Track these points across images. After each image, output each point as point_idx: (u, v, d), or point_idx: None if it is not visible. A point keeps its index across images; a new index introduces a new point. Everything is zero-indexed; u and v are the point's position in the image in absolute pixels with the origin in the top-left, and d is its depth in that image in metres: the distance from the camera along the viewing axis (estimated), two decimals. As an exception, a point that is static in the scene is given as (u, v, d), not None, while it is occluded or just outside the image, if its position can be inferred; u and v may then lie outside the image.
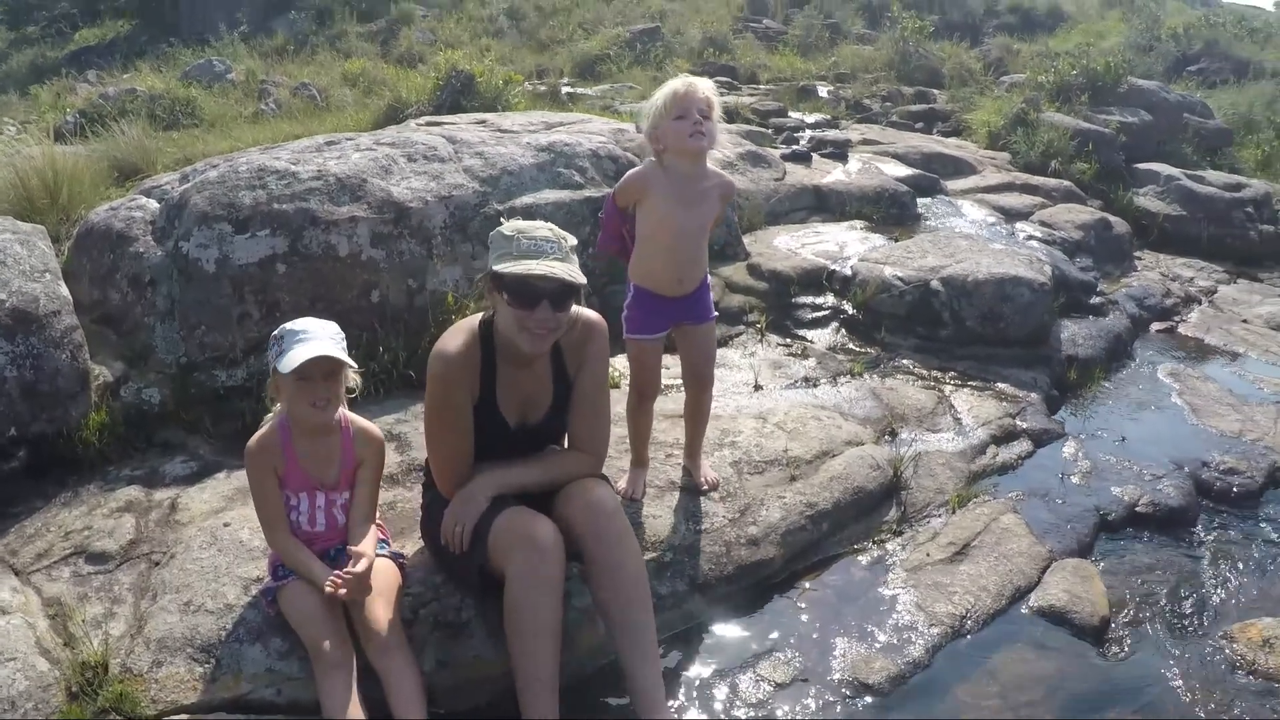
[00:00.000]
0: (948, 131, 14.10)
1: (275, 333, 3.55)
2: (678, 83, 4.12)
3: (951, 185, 10.80)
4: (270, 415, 3.74)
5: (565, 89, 15.49)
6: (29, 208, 6.63)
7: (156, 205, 6.06)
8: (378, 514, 3.85)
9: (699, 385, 4.57)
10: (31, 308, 5.01)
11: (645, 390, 4.48)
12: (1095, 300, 7.98)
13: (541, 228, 3.40)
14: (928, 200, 10.09)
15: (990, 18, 24.38)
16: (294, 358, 3.39)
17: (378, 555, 3.62)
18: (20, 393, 4.84)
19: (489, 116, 8.44)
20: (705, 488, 4.64)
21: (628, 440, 4.61)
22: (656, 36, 19.98)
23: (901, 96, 16.29)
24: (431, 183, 6.21)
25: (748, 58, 19.05)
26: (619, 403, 5.16)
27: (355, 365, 3.60)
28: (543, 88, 15.13)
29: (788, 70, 18.23)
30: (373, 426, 3.83)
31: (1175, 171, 11.90)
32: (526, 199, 6.49)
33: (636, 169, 4.33)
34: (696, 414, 4.65)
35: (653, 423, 4.65)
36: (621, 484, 4.52)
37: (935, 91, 16.71)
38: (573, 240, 3.45)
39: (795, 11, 23.84)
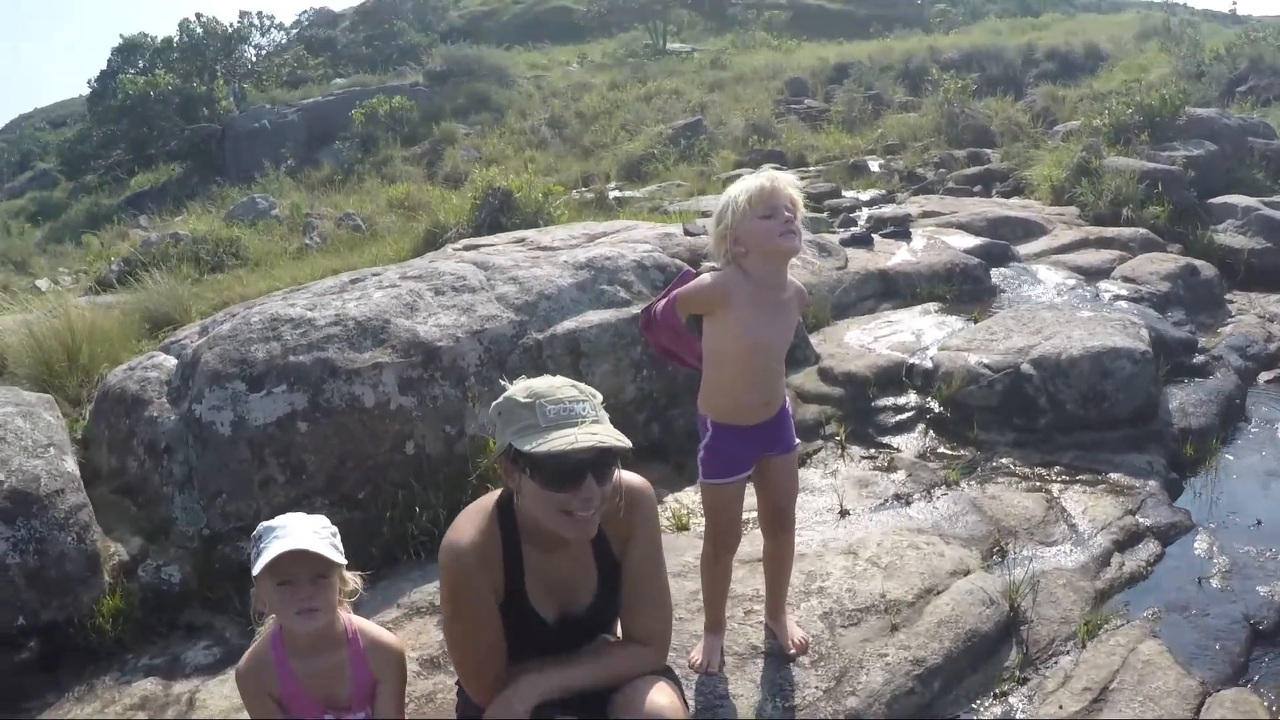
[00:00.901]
0: (1007, 191, 13.53)
1: (255, 531, 3.02)
2: (760, 179, 3.55)
3: (1023, 250, 10.12)
4: (263, 629, 3.18)
5: (612, 193, 15.21)
6: (47, 371, 6.31)
7: (174, 363, 5.67)
8: (407, 722, 3.29)
9: (782, 526, 3.96)
10: (32, 488, 4.63)
11: (726, 542, 3.88)
12: (1198, 359, 7.26)
13: (563, 386, 2.80)
14: (1001, 270, 9.41)
15: (1029, 67, 23.86)
16: (266, 556, 2.85)
17: (405, 782, 3.05)
18: (25, 580, 4.47)
19: (528, 234, 8.04)
20: (793, 651, 3.98)
21: (702, 598, 4.01)
22: (699, 130, 19.74)
23: (955, 161, 15.74)
24: (462, 317, 5.73)
25: (793, 140, 18.64)
26: (684, 552, 4.60)
27: (344, 561, 3.02)
28: (589, 194, 14.88)
29: (835, 148, 17.79)
30: (388, 637, 3.24)
31: (1252, 201, 11.15)
32: (569, 324, 5.98)
33: (712, 275, 3.68)
34: (779, 561, 4.03)
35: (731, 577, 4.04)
36: (695, 654, 3.91)
37: (988, 151, 16.16)
38: (599, 395, 2.86)
39: (835, 88, 23.58)
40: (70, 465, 4.96)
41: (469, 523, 2.90)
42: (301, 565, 2.87)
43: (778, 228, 3.49)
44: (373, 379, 5.22)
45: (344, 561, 2.99)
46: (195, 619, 4.78)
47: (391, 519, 5.04)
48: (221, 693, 4.14)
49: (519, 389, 2.77)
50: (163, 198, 22.18)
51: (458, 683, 3.22)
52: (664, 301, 3.70)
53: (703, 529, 3.98)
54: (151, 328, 7.94)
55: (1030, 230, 10.80)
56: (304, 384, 5.14)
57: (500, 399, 2.80)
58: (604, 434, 2.66)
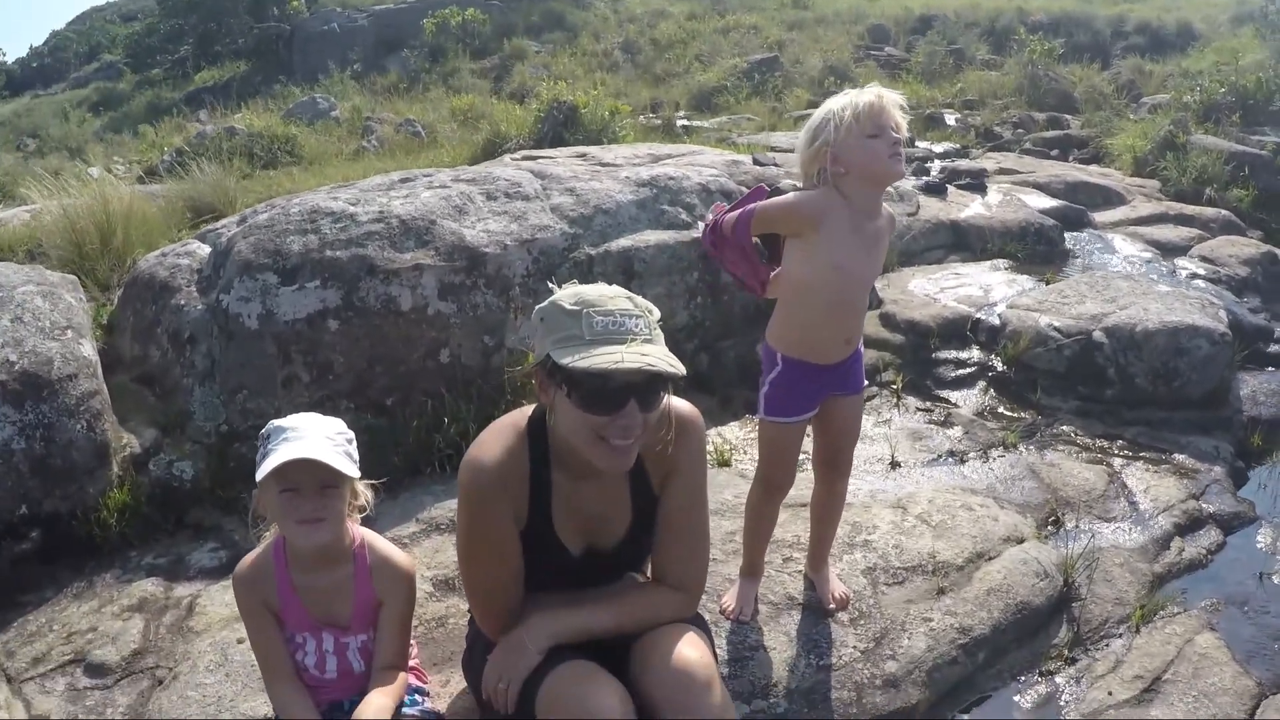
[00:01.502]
0: (1085, 159, 13.03)
1: (264, 429, 2.74)
2: (868, 94, 3.17)
3: (1099, 217, 9.71)
4: (268, 534, 2.91)
5: (681, 122, 14.81)
6: (77, 254, 6.12)
7: (207, 252, 5.42)
8: (413, 650, 3.04)
9: (839, 471, 3.65)
10: (44, 370, 4.42)
11: (780, 483, 3.58)
12: (1273, 348, 6.87)
13: (617, 297, 2.44)
14: (1075, 235, 9.06)
15: (1118, 39, 22.98)
16: (270, 461, 2.58)
17: (405, 714, 2.80)
18: (30, 467, 4.27)
19: (591, 150, 7.70)
20: (833, 606, 3.69)
21: (739, 540, 3.73)
22: (775, 66, 19.16)
23: (1033, 122, 15.21)
24: (512, 224, 5.42)
25: (870, 86, 18.00)
26: (724, 489, 4.31)
27: (357, 474, 2.74)
28: (657, 121, 14.47)
29: (912, 98, 16.99)
30: (398, 554, 2.95)
31: (1341, 195, 10.64)
32: (624, 241, 5.66)
33: (807, 192, 3.29)
34: (829, 508, 3.73)
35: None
36: (728, 599, 3.64)
37: (1067, 117, 15.61)
38: (657, 311, 2.51)
39: (917, 39, 22.80)
40: (87, 349, 4.74)
41: (495, 438, 2.60)
42: (308, 473, 2.60)
43: (886, 149, 3.13)
44: (412, 281, 4.94)
45: (356, 474, 2.72)
46: (204, 519, 4.59)
47: (418, 429, 4.78)
48: (223, 599, 3.94)
49: (566, 294, 2.45)
50: (226, 95, 21.85)
51: (471, 615, 2.96)
52: (736, 214, 3.34)
53: (744, 466, 3.68)
54: (194, 218, 7.73)
55: (1109, 198, 10.35)
56: (339, 280, 4.87)
57: (545, 303, 2.48)
58: (655, 356, 2.32)
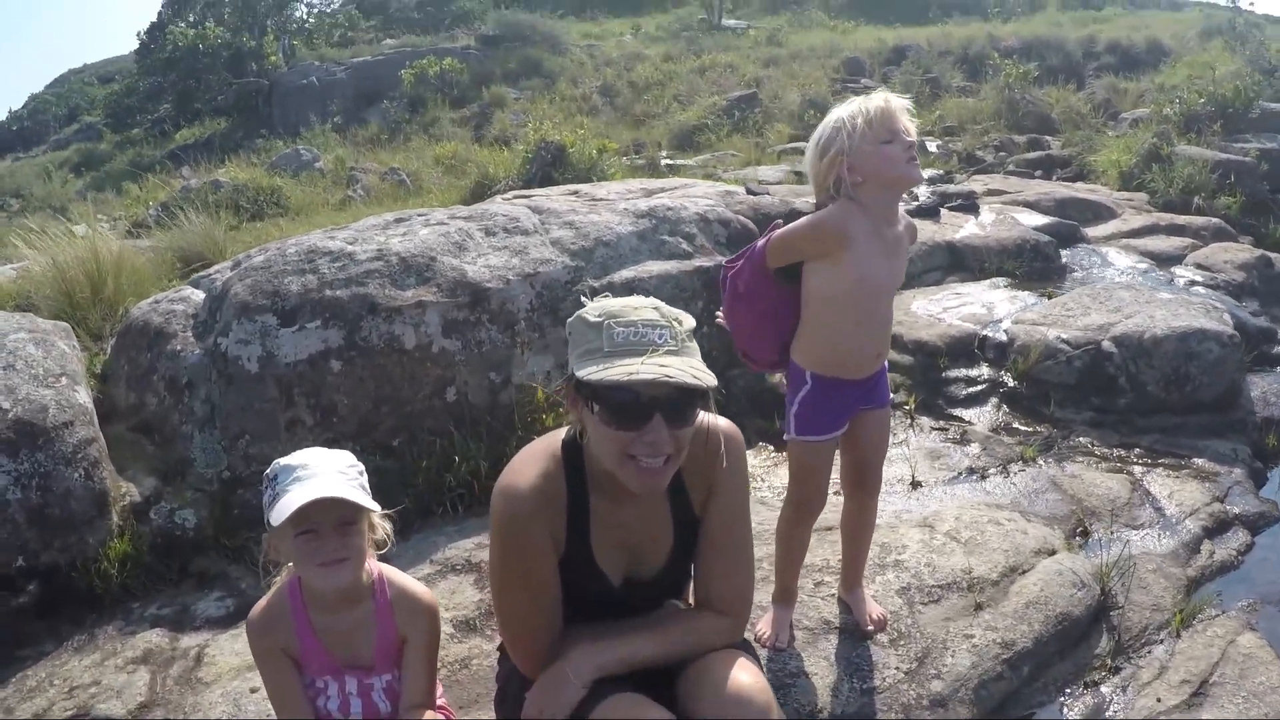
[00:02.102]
0: (1069, 177, 13.12)
1: (268, 470, 2.61)
2: (876, 99, 3.11)
3: (1092, 232, 9.77)
4: (279, 577, 2.78)
5: (664, 161, 14.79)
6: (69, 303, 6.05)
7: (202, 297, 5.32)
8: (439, 690, 2.90)
9: (867, 489, 3.57)
10: (39, 418, 4.30)
11: (812, 505, 3.48)
12: (1278, 350, 6.89)
13: (643, 307, 2.33)
14: (1070, 251, 9.10)
15: (1089, 59, 23.25)
16: (286, 504, 2.44)
17: (435, 756, 2.66)
18: (26, 518, 4.16)
19: (582, 188, 7.64)
20: (871, 628, 3.59)
21: (767, 566, 3.63)
22: (754, 103, 19.23)
23: (1014, 145, 15.36)
24: (514, 259, 5.33)
25: (849, 118, 18.06)
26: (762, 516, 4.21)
27: (377, 507, 2.62)
28: (641, 161, 14.43)
29: (893, 127, 17.28)
30: (419, 588, 2.83)
31: (1326, 198, 10.74)
32: (626, 273, 5.57)
33: (826, 209, 3.18)
34: (860, 527, 3.64)
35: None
36: (763, 627, 3.52)
37: (1048, 138, 15.78)
38: (689, 321, 2.38)
39: (892, 69, 22.97)
40: (83, 397, 4.63)
41: (529, 463, 2.47)
42: (327, 511, 2.47)
43: (901, 154, 3.07)
44: (415, 318, 4.84)
45: (377, 507, 2.61)
46: (209, 567, 4.46)
47: (428, 469, 4.66)
48: (233, 648, 3.82)
49: (592, 307, 2.35)
50: (207, 151, 21.79)
51: (499, 647, 2.84)
52: (745, 262, 3.29)
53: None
54: (184, 268, 7.68)
55: (1099, 213, 10.42)
56: (340, 320, 4.77)
57: (573, 316, 2.39)
58: (676, 367, 2.19)
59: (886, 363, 3.45)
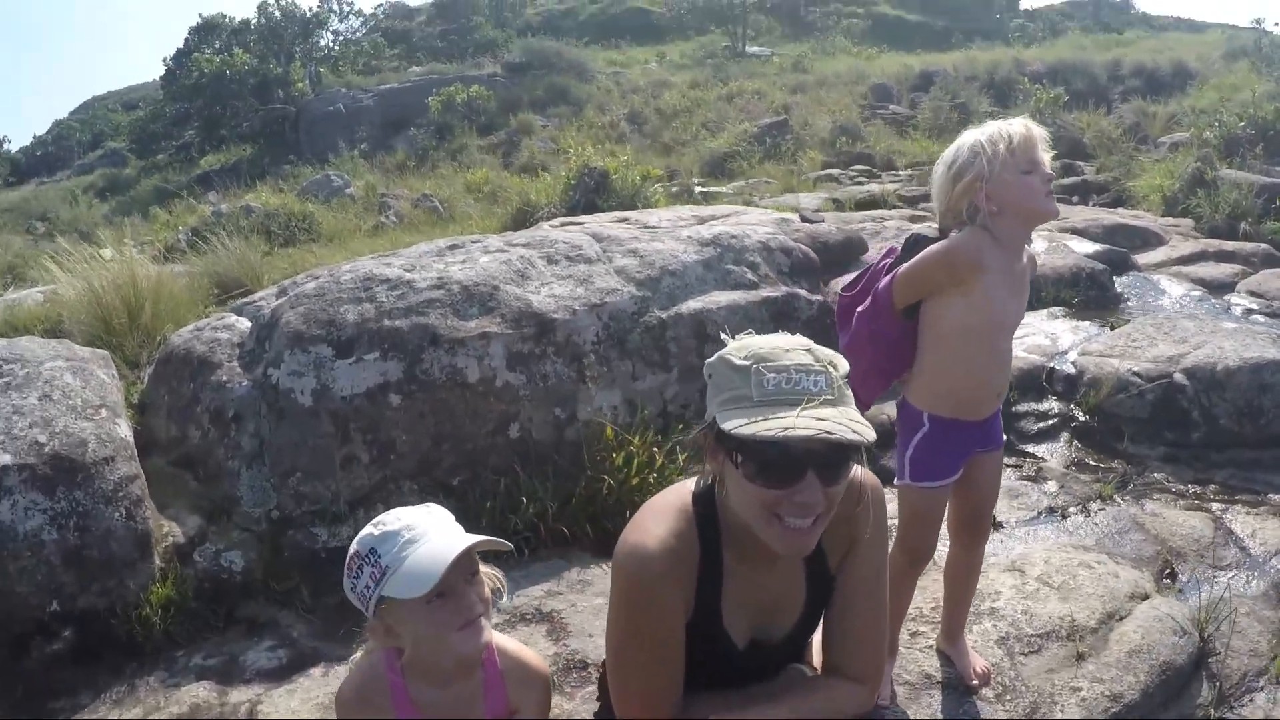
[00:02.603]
0: (1106, 203, 12.94)
1: (354, 548, 2.27)
2: (1016, 126, 2.90)
3: (1142, 259, 9.54)
4: (362, 653, 2.46)
5: (698, 188, 14.59)
6: (104, 329, 5.80)
7: (247, 325, 5.05)
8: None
9: (978, 535, 3.35)
10: (77, 454, 4.04)
11: (924, 552, 3.26)
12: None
13: (796, 350, 2.03)
14: (1122, 279, 8.86)
15: (1115, 83, 23.21)
16: (422, 572, 2.13)
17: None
18: (63, 560, 3.88)
19: (630, 214, 7.40)
20: (975, 682, 3.35)
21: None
22: (785, 129, 19.20)
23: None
24: (578, 288, 5.06)
25: (881, 144, 18.09)
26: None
27: (508, 545, 2.35)
28: (674, 188, 14.23)
29: (923, 154, 17.15)
30: (532, 657, 2.53)
31: (1376, 222, 10.51)
32: (694, 304, 5.29)
33: (960, 237, 2.94)
34: (967, 575, 3.41)
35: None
36: (859, 682, 3.25)
37: (1080, 163, 15.65)
38: (843, 365, 2.09)
39: (920, 95, 22.94)
40: (124, 430, 4.36)
41: (659, 520, 2.18)
42: (457, 569, 2.18)
43: (1041, 186, 2.86)
44: (478, 350, 4.56)
45: (508, 544, 2.36)
46: (258, 614, 4.15)
47: (491, 510, 4.37)
48: (288, 705, 3.54)
49: (735, 347, 2.06)
50: (233, 177, 21.75)
51: (597, 715, 2.54)
52: (871, 301, 3.06)
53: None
54: (221, 294, 7.47)
55: (1147, 239, 10.23)
56: (400, 351, 4.50)
57: (714, 357, 2.09)
58: (835, 420, 1.92)
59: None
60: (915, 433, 3.08)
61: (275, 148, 26.14)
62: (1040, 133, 2.91)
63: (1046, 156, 2.91)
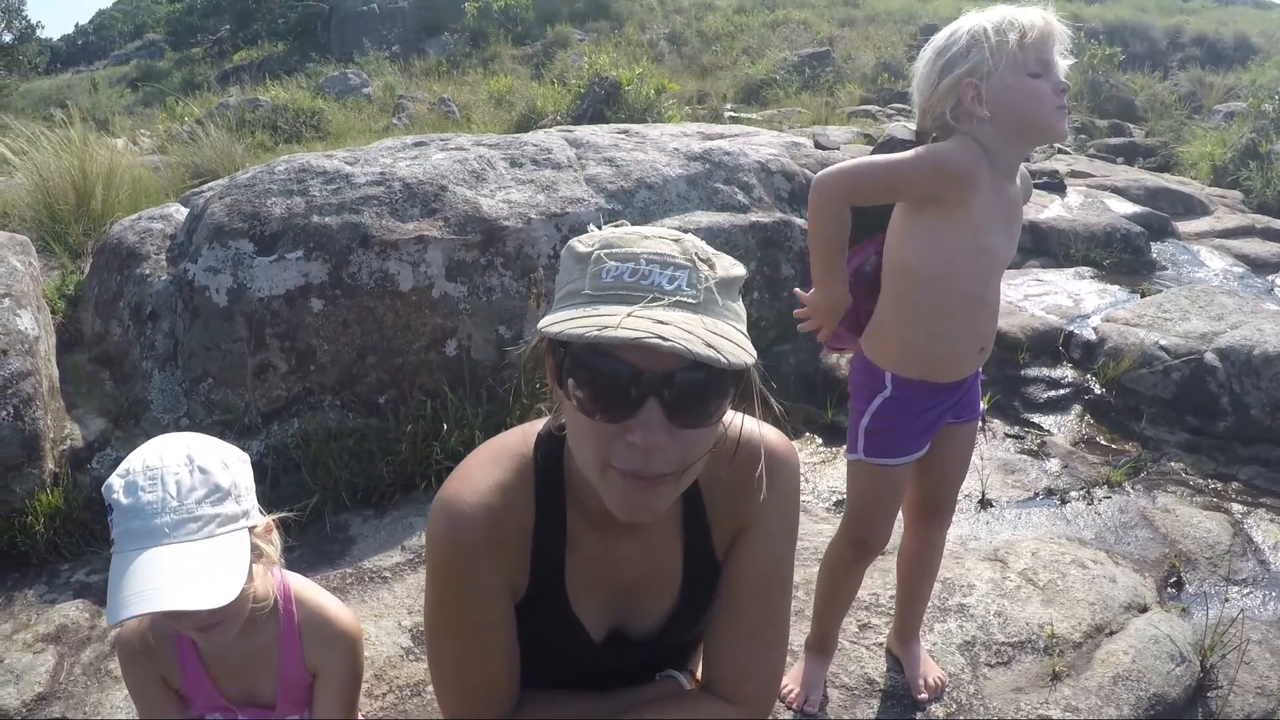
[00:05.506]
0: (1153, 166, 12.50)
1: (107, 482, 1.87)
2: (1032, 14, 2.25)
3: (1183, 227, 9.06)
4: None
5: (728, 113, 14.10)
6: (48, 216, 5.47)
7: (184, 215, 4.63)
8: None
9: (938, 519, 2.80)
10: (-40, 345, 3.62)
11: (873, 542, 2.68)
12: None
13: (655, 238, 1.44)
14: (1160, 245, 8.38)
15: (1174, 50, 22.62)
16: (115, 603, 1.69)
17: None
18: (-56, 459, 3.52)
19: (634, 127, 6.88)
20: (923, 695, 2.86)
21: (808, 598, 2.91)
22: (826, 60, 18.63)
23: (1096, 129, 14.95)
24: (539, 195, 4.59)
25: (924, 83, 17.37)
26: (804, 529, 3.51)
27: (238, 584, 1.75)
28: (703, 111, 13.74)
29: (970, 100, 16.57)
30: (337, 610, 2.09)
31: None
32: (671, 221, 4.81)
33: (947, 144, 2.30)
34: (925, 565, 2.88)
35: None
36: (789, 681, 2.82)
37: (1130, 125, 15.26)
38: (730, 268, 1.49)
39: (972, 41, 22.22)
40: (25, 322, 3.97)
41: (485, 468, 1.68)
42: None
43: (1053, 97, 2.25)
44: (414, 255, 4.12)
45: (237, 583, 1.75)
46: (155, 526, 3.81)
47: (414, 435, 3.93)
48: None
49: (590, 236, 1.50)
50: (262, 72, 21.31)
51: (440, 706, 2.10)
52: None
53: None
54: (198, 185, 7.06)
55: (1190, 207, 9.75)
56: (325, 252, 4.07)
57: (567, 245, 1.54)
58: (683, 327, 1.32)
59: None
60: (873, 396, 2.51)
61: (307, 45, 25.59)
62: (1061, 30, 2.28)
63: (1064, 62, 2.29)
